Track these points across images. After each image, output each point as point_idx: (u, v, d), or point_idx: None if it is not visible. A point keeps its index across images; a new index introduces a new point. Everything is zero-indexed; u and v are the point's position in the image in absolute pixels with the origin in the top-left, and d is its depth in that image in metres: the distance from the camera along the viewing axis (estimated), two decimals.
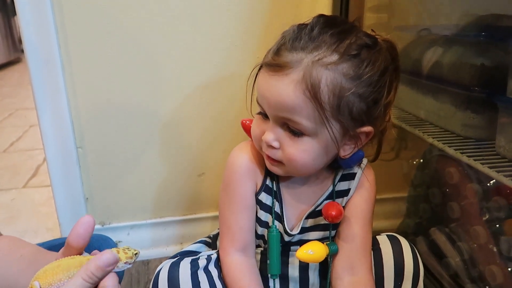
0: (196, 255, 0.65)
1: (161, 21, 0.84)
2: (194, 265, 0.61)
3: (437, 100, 0.81)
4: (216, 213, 0.83)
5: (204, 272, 0.62)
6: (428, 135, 0.78)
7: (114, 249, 0.44)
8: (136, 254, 0.45)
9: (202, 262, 0.62)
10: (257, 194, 0.63)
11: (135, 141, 0.91)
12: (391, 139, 0.92)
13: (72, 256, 0.43)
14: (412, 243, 0.68)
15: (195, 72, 0.89)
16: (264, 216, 0.63)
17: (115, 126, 0.90)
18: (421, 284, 0.64)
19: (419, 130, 0.81)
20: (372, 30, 0.58)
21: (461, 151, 0.70)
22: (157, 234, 0.99)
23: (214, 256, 0.65)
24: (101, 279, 0.40)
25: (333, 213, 0.59)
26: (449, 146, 0.72)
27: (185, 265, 0.61)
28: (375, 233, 0.69)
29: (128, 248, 0.45)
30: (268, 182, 0.63)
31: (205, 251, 0.68)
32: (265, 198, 0.63)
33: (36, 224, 1.17)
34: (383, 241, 0.66)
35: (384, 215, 1.03)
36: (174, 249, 0.99)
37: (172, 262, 0.61)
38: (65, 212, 0.93)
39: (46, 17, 0.80)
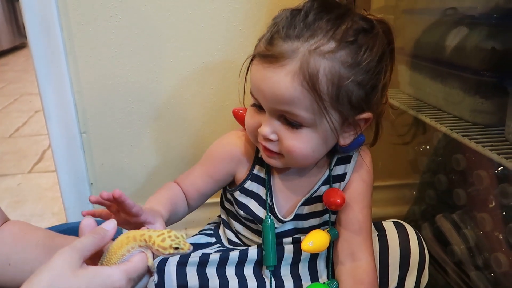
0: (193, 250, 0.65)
1: (164, 5, 0.83)
2: (182, 263, 0.61)
3: (445, 85, 0.79)
4: (212, 200, 0.83)
5: (197, 273, 0.61)
6: (436, 120, 0.77)
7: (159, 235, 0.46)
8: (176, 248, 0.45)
9: (194, 260, 0.62)
10: (242, 182, 0.63)
11: (139, 126, 0.91)
12: (405, 125, 0.91)
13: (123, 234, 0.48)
14: (418, 230, 0.67)
15: (199, 56, 0.88)
16: (252, 203, 0.63)
17: (118, 110, 0.89)
18: (426, 272, 0.64)
19: (426, 115, 0.80)
20: (364, 10, 0.57)
21: (469, 137, 0.68)
22: None
23: (213, 257, 0.63)
24: (104, 238, 0.45)
25: (338, 201, 0.59)
26: (457, 132, 0.71)
27: (172, 262, 0.61)
28: (381, 220, 0.68)
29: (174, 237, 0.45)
30: (256, 171, 0.63)
31: (200, 250, 0.67)
32: (251, 186, 0.63)
33: (42, 208, 1.18)
34: (389, 227, 0.65)
35: (390, 202, 1.02)
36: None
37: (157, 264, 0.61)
38: (70, 197, 0.94)
39: (49, 1, 0.79)
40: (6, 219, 0.62)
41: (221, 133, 0.94)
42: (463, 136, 0.69)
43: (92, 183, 0.94)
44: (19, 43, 3.96)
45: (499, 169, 0.71)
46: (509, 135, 0.66)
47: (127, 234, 0.48)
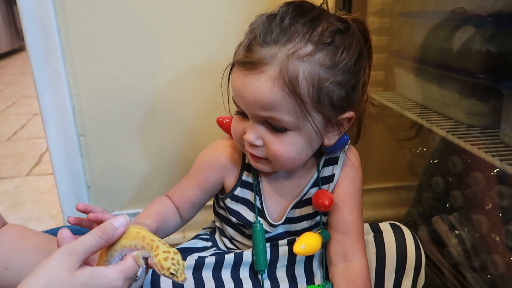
0: (189, 254, 0.65)
1: (161, 7, 0.83)
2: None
3: (441, 88, 0.80)
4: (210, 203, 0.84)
5: (193, 276, 0.61)
6: (432, 123, 0.77)
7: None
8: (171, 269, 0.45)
9: (189, 263, 0.62)
10: (232, 189, 0.63)
11: (136, 128, 0.91)
12: (402, 128, 0.91)
13: (133, 226, 0.48)
14: (415, 232, 0.67)
15: (196, 59, 0.88)
16: (243, 209, 0.63)
17: (116, 113, 0.89)
18: (423, 274, 0.64)
19: (422, 118, 0.80)
20: (340, 10, 0.57)
21: (464, 139, 0.69)
22: None
23: (209, 260, 0.63)
24: (112, 238, 0.45)
25: (326, 202, 0.59)
26: (453, 134, 0.71)
27: None
28: (379, 221, 0.68)
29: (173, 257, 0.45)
30: (244, 177, 0.63)
31: (197, 253, 0.67)
32: (241, 192, 0.63)
33: (40, 211, 1.17)
34: (386, 229, 0.65)
35: (387, 204, 1.03)
36: (176, 238, 0.99)
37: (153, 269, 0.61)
38: (68, 200, 0.94)
39: (46, 4, 0.79)
40: (4, 223, 0.62)
41: (218, 136, 0.94)
42: (459, 138, 0.69)
43: (89, 186, 0.94)
44: (17, 46, 3.95)
45: (495, 171, 0.71)
46: (504, 137, 0.66)
47: (139, 230, 0.47)
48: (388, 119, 0.97)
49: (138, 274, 0.46)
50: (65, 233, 0.47)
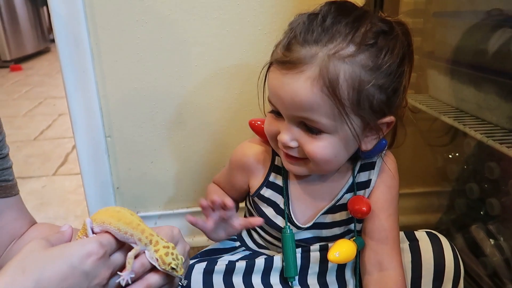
0: (218, 255, 0.64)
1: (189, 8, 0.83)
2: (209, 271, 0.61)
3: (479, 91, 0.76)
4: (243, 204, 0.83)
5: (223, 281, 0.60)
6: (470, 127, 0.74)
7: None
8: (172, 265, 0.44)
9: (220, 268, 0.61)
10: (258, 189, 0.63)
11: (163, 130, 0.91)
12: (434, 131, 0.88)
13: (131, 212, 0.48)
14: (449, 240, 0.64)
15: (223, 60, 0.87)
16: (269, 211, 0.62)
17: (143, 115, 0.89)
18: (461, 285, 0.61)
19: (459, 122, 0.77)
20: (381, 12, 0.55)
21: (506, 144, 0.65)
22: (183, 224, 0.99)
23: (240, 264, 0.62)
24: (64, 235, 0.48)
25: (364, 208, 0.57)
26: (493, 140, 0.68)
27: (198, 269, 0.60)
28: (411, 228, 0.66)
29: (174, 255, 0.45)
30: (272, 178, 0.62)
31: (226, 255, 0.67)
32: (268, 193, 0.62)
33: (65, 211, 1.19)
34: (423, 238, 0.63)
35: (417, 210, 1.00)
36: (200, 240, 0.98)
37: None
38: (94, 200, 0.94)
39: (76, 7, 0.80)
40: (34, 222, 0.63)
41: (244, 137, 0.93)
42: (501, 143, 0.66)
43: (118, 187, 0.94)
44: (43, 48, 4.05)
45: None
46: None
47: (140, 222, 0.46)
48: (420, 122, 0.94)
49: (125, 275, 0.44)
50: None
